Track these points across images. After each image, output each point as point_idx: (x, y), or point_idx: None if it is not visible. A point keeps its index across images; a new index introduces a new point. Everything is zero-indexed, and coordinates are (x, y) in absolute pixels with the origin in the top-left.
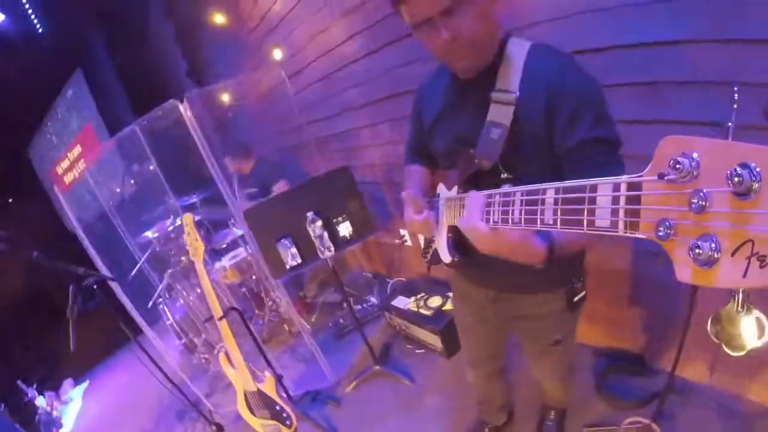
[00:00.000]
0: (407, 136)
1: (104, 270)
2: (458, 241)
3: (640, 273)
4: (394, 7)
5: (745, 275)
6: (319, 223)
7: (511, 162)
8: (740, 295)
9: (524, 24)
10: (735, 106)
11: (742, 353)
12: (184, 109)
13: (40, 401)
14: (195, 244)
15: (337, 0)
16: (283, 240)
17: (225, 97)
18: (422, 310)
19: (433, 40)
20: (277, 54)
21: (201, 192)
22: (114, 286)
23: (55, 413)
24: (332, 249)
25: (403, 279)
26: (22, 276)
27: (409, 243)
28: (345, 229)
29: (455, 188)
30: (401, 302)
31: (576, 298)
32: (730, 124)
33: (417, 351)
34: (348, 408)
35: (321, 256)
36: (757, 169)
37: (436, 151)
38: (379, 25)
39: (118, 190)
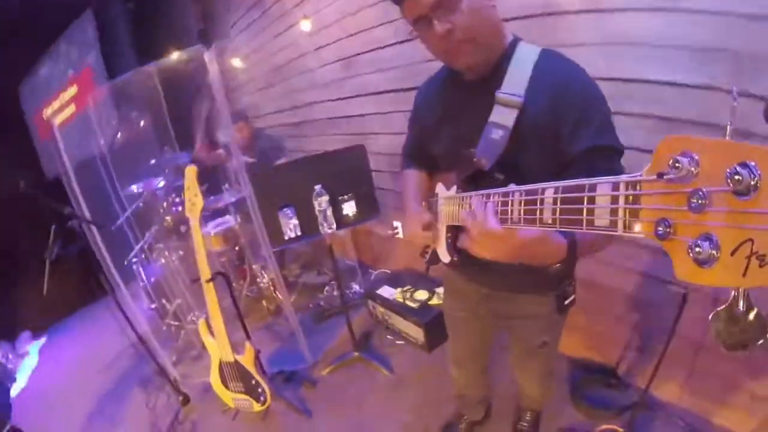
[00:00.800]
0: (406, 140)
1: (87, 215)
2: (457, 240)
3: (621, 288)
4: (397, 5)
5: (744, 274)
6: (326, 197)
7: (511, 164)
8: (740, 294)
9: (563, 43)
10: (735, 103)
11: (743, 352)
12: (210, 58)
13: None
14: (194, 200)
15: None
16: (285, 209)
17: (237, 62)
18: (408, 302)
19: (430, 37)
20: (305, 26)
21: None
22: (96, 234)
23: (9, 366)
24: (334, 226)
25: (388, 270)
26: (10, 207)
27: (401, 235)
28: (349, 208)
29: (454, 188)
30: (386, 292)
31: (566, 302)
32: (729, 123)
33: (397, 342)
34: (323, 391)
35: (321, 231)
36: (757, 169)
37: (436, 151)
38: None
39: (111, 137)
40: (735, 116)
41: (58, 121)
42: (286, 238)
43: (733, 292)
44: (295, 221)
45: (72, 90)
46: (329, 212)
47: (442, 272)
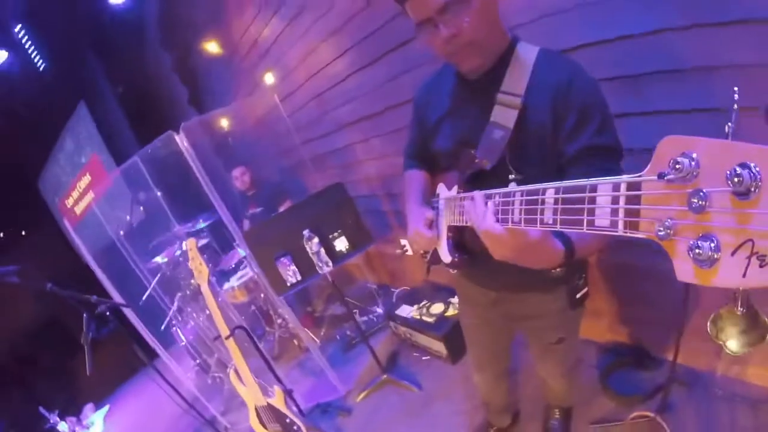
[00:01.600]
0: (406, 141)
1: (117, 296)
2: (458, 241)
3: (639, 266)
4: (400, 4)
5: (745, 275)
6: (315, 240)
7: (512, 163)
8: (740, 294)
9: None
10: (735, 106)
11: (743, 352)
12: (181, 140)
13: (62, 427)
14: (199, 268)
15: (323, 21)
16: (282, 258)
17: (223, 123)
18: (425, 318)
19: (435, 39)
20: (269, 78)
21: (207, 216)
22: (127, 311)
23: None
24: (330, 264)
25: (407, 288)
26: (40, 304)
27: (410, 252)
28: (341, 243)
29: (455, 188)
30: (404, 311)
31: (578, 296)
32: (729, 124)
33: (423, 358)
34: (358, 417)
35: (320, 271)
36: (757, 169)
37: (437, 151)
38: (365, 42)
39: (128, 218)
40: (735, 117)
41: (79, 210)
42: (288, 284)
43: (733, 293)
44: (293, 267)
45: (86, 179)
46: (322, 252)
47: (452, 280)
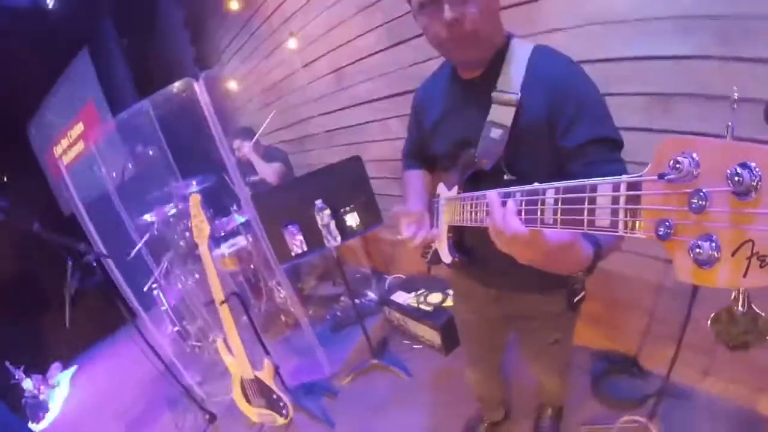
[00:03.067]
0: (405, 141)
1: (102, 249)
2: (458, 241)
3: (637, 276)
4: None
5: (745, 275)
6: (328, 211)
7: (512, 162)
8: (741, 295)
9: (541, 30)
10: (734, 106)
11: (743, 352)
12: (200, 89)
13: (27, 384)
14: (200, 226)
15: None
16: (289, 226)
17: (232, 85)
18: (422, 306)
19: (436, 23)
20: (291, 44)
21: (203, 179)
22: (111, 266)
23: (42, 397)
24: (339, 239)
25: (402, 275)
26: (12, 257)
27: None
28: (352, 219)
29: (455, 188)
30: (401, 297)
31: (576, 299)
32: (729, 124)
33: (414, 346)
34: (344, 400)
35: (327, 245)
36: (757, 169)
37: (436, 152)
38: (395, 23)
39: (121, 170)
40: (735, 117)
41: (68, 159)
42: (293, 254)
43: (733, 293)
44: (300, 237)
45: (78, 127)
46: (332, 225)
47: (448, 275)
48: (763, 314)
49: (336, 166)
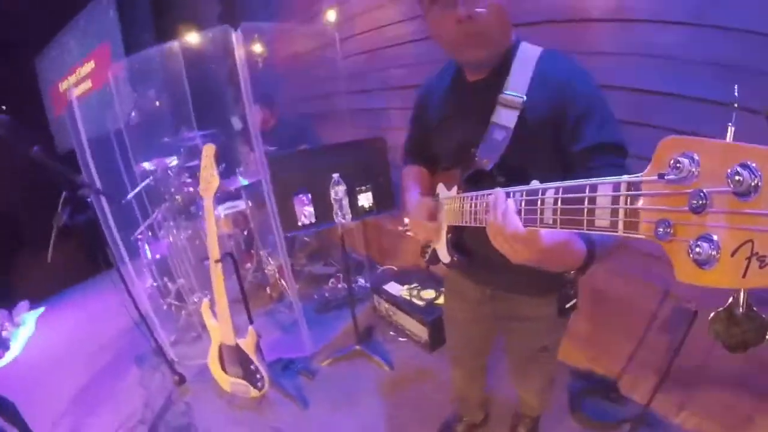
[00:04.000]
0: (406, 136)
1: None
2: (457, 241)
3: (629, 300)
4: None
5: (744, 275)
6: (343, 187)
7: (513, 164)
8: (740, 295)
9: (584, 51)
10: (735, 105)
11: (743, 353)
12: (237, 39)
13: None
14: (210, 179)
15: None
16: (301, 195)
17: (258, 47)
18: (414, 300)
19: (447, 20)
20: (331, 16)
21: (217, 132)
22: (105, 205)
23: (4, 333)
24: (349, 216)
25: (395, 267)
26: (22, 170)
27: (411, 233)
28: (366, 199)
29: (455, 188)
30: (393, 288)
31: (567, 305)
32: (729, 124)
33: (399, 339)
34: (321, 382)
35: (335, 219)
36: (758, 170)
37: (439, 151)
38: None
39: (128, 113)
40: (735, 117)
41: (74, 96)
42: (300, 224)
43: (733, 293)
44: (309, 208)
45: (89, 65)
46: (345, 202)
47: (444, 273)
48: (762, 314)
49: (360, 143)
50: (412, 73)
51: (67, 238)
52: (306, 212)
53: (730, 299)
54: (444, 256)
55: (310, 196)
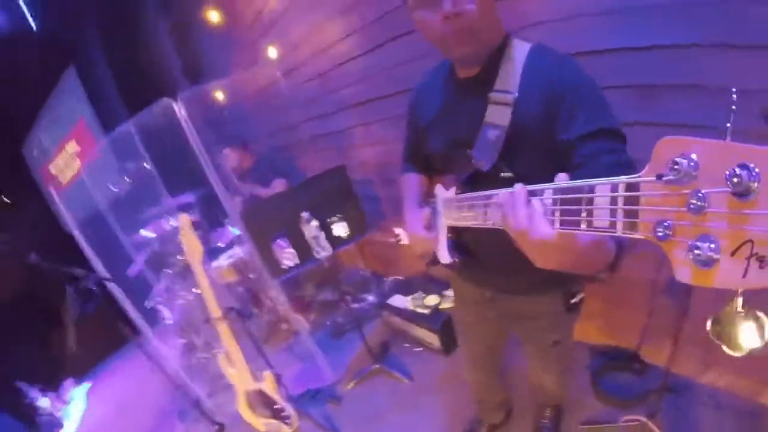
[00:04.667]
0: (404, 143)
1: (102, 270)
2: (457, 242)
3: (637, 271)
4: None
5: (744, 275)
6: (315, 223)
7: (509, 163)
8: (740, 295)
9: (527, 23)
10: (733, 107)
11: (743, 353)
12: (178, 108)
13: (42, 402)
14: (192, 246)
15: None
16: (278, 240)
17: (219, 95)
18: (419, 309)
19: (432, 17)
20: (272, 52)
21: (197, 190)
22: (112, 286)
23: (58, 413)
24: (329, 249)
25: (400, 277)
26: (22, 275)
27: (404, 241)
28: (340, 228)
29: (453, 189)
30: (398, 301)
31: (573, 300)
32: (728, 125)
33: (415, 349)
34: (348, 406)
35: (317, 256)
36: (756, 170)
37: (432, 152)
38: (374, 24)
39: (115, 189)
40: (733, 117)
41: (65, 179)
42: (285, 267)
43: (733, 294)
44: (290, 250)
45: (71, 145)
46: (321, 236)
47: (449, 276)
48: (762, 315)
49: (320, 177)
50: (363, 88)
51: (93, 316)
52: (288, 255)
53: (730, 300)
54: (444, 257)
55: (287, 239)
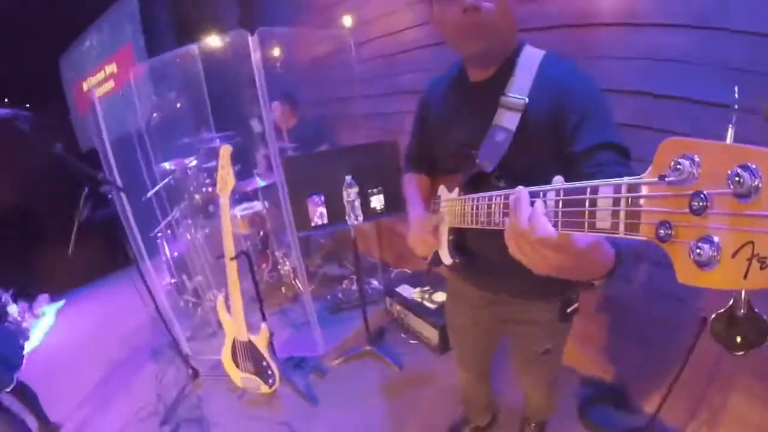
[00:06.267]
0: (408, 142)
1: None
2: (459, 242)
3: (639, 307)
4: None
5: (745, 276)
6: (355, 189)
7: (513, 166)
8: (741, 296)
9: (591, 56)
10: (735, 106)
11: (743, 354)
12: (253, 43)
13: (12, 309)
14: (226, 179)
15: None
16: (314, 196)
17: (277, 50)
18: (426, 303)
19: (452, 9)
20: (347, 20)
21: (234, 133)
22: (126, 202)
23: (24, 324)
24: (361, 218)
25: (408, 271)
26: (18, 184)
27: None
28: (377, 201)
29: (456, 190)
30: (406, 290)
31: (569, 310)
32: (730, 126)
33: (410, 342)
34: (331, 381)
35: (348, 221)
36: (758, 171)
37: (439, 153)
38: None
39: (149, 114)
40: (735, 119)
41: (99, 94)
42: (313, 224)
43: (734, 295)
44: (322, 209)
45: (112, 66)
46: (357, 203)
47: (447, 276)
48: (763, 316)
49: (372, 146)
50: (424, 77)
51: (89, 233)
52: (319, 213)
53: (731, 300)
54: (446, 257)
55: (323, 197)
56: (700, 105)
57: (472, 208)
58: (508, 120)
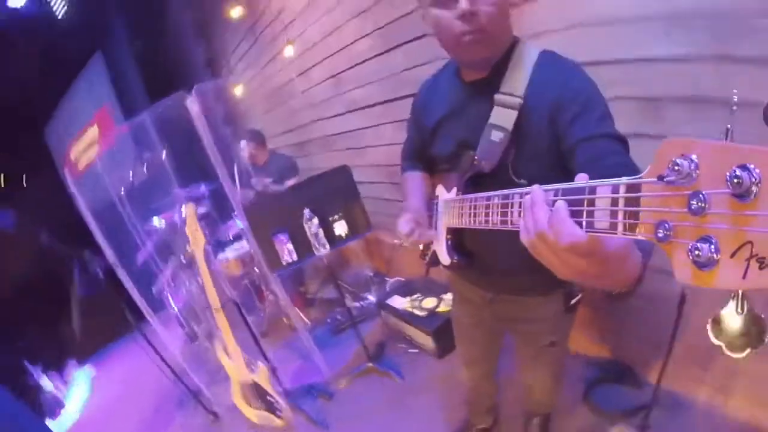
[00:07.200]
0: (405, 142)
1: (111, 255)
2: (457, 242)
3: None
4: None
5: (744, 276)
6: (315, 220)
7: (511, 165)
8: (739, 296)
9: (531, 33)
10: (734, 107)
11: (743, 355)
12: (191, 102)
13: (45, 382)
14: (195, 235)
15: (350, 0)
16: (279, 235)
17: (237, 90)
18: (416, 311)
19: (449, 15)
20: (289, 51)
21: (212, 182)
22: (120, 273)
23: (59, 394)
24: (327, 247)
25: (402, 278)
26: (32, 256)
27: (407, 245)
28: (341, 227)
29: (454, 190)
30: (396, 302)
31: (573, 301)
32: (728, 126)
33: (410, 350)
34: (339, 402)
35: (316, 253)
36: (757, 171)
37: (436, 153)
38: (389, 28)
39: (130, 176)
40: (734, 119)
41: (82, 164)
42: (284, 262)
43: (732, 295)
44: (289, 246)
45: (93, 131)
46: (321, 234)
47: (449, 278)
48: (762, 316)
49: (323, 175)
50: (375, 90)
51: (99, 301)
52: (287, 250)
53: (730, 301)
54: (444, 257)
55: (287, 234)
56: (648, 63)
57: (471, 209)
58: (504, 119)
